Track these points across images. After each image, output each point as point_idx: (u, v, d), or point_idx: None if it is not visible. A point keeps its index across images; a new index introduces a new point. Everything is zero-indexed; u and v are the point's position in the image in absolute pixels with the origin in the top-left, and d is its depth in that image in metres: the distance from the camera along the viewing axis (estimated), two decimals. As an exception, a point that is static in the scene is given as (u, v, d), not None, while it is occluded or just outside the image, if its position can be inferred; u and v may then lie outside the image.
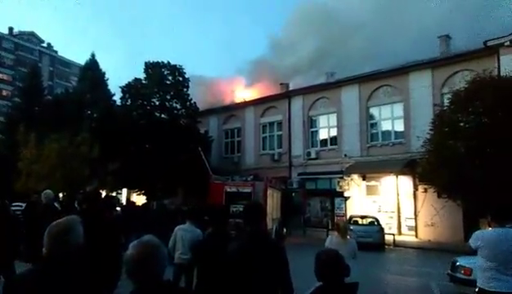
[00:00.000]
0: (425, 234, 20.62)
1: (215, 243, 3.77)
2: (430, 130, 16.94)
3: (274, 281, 3.07)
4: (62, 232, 2.13)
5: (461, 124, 15.99)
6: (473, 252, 4.85)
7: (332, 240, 5.95)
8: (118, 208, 14.48)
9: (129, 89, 29.14)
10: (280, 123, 29.05)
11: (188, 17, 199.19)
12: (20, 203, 13.84)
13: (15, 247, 6.33)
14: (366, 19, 39.84)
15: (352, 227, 17.08)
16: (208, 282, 3.71)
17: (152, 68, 29.27)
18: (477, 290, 4.54)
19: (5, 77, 63.46)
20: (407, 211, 21.65)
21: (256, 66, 44.85)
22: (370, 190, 23.30)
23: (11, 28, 67.65)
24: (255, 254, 3.04)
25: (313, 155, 26.19)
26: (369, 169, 22.61)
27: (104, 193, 23.57)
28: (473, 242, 4.65)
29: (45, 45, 72.71)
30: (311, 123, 27.38)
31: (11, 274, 6.04)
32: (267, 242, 3.32)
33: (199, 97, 32.32)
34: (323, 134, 26.93)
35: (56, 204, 8.98)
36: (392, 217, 21.98)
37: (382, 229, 18.45)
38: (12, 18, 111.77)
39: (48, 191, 7.56)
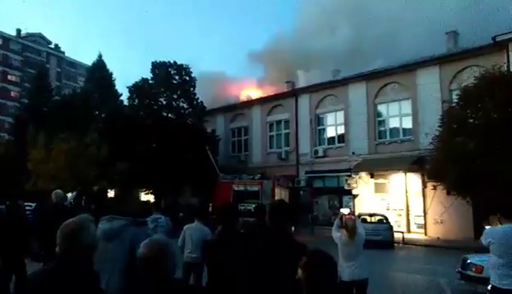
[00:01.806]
0: (434, 232, 20.49)
1: (226, 242, 3.76)
2: (439, 126, 16.81)
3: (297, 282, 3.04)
4: (75, 231, 2.14)
5: (470, 120, 15.86)
6: (484, 249, 4.81)
7: (341, 238, 5.93)
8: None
9: (136, 89, 29.31)
10: (287, 121, 29.01)
11: (196, 14, 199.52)
12: (30, 203, 13.99)
13: (24, 246, 6.39)
14: (374, 16, 39.51)
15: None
16: (219, 281, 3.70)
17: (159, 67, 29.42)
18: (489, 288, 4.50)
19: (13, 78, 64.00)
20: (416, 208, 21.52)
21: (268, 56, 44.38)
22: (379, 188, 23.19)
23: (18, 30, 68.23)
24: (280, 254, 3.01)
25: (321, 153, 26.13)
26: (377, 167, 22.51)
27: (113, 193, 23.83)
28: (484, 238, 4.62)
29: (52, 46, 73.23)
30: (318, 121, 27.31)
31: (24, 274, 6.10)
32: (293, 243, 3.26)
33: (211, 93, 32.47)
34: (330, 132, 26.85)
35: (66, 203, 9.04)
36: (400, 215, 21.89)
37: (391, 227, 18.34)
38: (20, 20, 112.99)
39: (58, 191, 7.62)
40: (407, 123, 23.03)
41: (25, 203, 10.60)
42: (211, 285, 3.86)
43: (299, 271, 2.29)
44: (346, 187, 23.62)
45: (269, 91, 34.52)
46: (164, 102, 29.07)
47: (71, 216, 2.35)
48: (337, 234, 6.03)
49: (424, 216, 21.05)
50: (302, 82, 30.84)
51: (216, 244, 3.96)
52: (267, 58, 44.80)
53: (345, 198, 24.09)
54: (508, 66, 18.14)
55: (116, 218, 3.66)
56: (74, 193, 19.07)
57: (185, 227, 6.68)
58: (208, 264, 4.00)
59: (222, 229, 3.99)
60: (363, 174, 23.06)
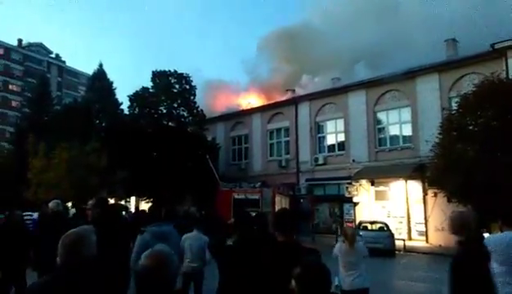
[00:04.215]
0: (436, 239, 20.40)
1: (242, 250, 3.70)
2: (439, 134, 16.83)
3: None
4: (76, 242, 2.15)
5: (470, 128, 15.89)
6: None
7: (341, 247, 5.91)
8: (124, 213, 14.53)
9: (137, 98, 29.42)
10: (287, 129, 29.06)
11: (199, 21, 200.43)
12: (30, 213, 14.00)
13: (26, 257, 6.37)
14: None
15: (361, 233, 16.97)
16: (232, 290, 3.67)
17: (159, 76, 29.56)
18: (490, 296, 4.47)
19: (14, 87, 64.21)
20: (417, 216, 21.47)
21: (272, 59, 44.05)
22: (379, 195, 23.16)
23: (19, 40, 68.58)
24: (290, 266, 2.97)
25: (321, 161, 26.13)
26: (377, 174, 22.49)
27: (112, 201, 23.79)
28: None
29: (53, 56, 73.54)
30: (318, 129, 27.36)
31: (23, 284, 6.09)
32: (304, 249, 3.21)
33: (213, 101, 32.49)
34: (330, 139, 26.88)
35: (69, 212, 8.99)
36: (401, 222, 21.83)
37: (392, 235, 18.28)
38: (21, 30, 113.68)
39: (56, 200, 7.60)
40: (407, 131, 23.08)
41: (26, 213, 10.60)
42: (222, 291, 3.83)
43: (293, 282, 2.26)
44: (347, 195, 23.59)
45: (274, 97, 34.64)
46: (165, 111, 29.18)
47: (72, 226, 2.36)
48: (335, 248, 6.02)
49: (425, 224, 21.00)
50: (308, 88, 30.77)
51: (233, 253, 3.89)
52: (272, 60, 44.56)
53: (346, 206, 23.98)
54: (507, 73, 18.22)
55: (165, 224, 4.64)
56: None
57: (184, 236, 6.67)
58: (223, 272, 3.95)
59: (238, 238, 3.94)
60: (364, 181, 23.03)
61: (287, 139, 29.04)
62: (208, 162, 24.13)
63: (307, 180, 26.66)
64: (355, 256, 5.81)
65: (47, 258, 4.17)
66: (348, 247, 5.80)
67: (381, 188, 23.03)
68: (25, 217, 9.40)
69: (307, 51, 38.98)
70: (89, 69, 60.25)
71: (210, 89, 42.45)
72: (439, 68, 22.05)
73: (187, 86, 29.75)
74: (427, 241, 20.77)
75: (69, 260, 2.13)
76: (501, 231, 4.62)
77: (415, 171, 20.46)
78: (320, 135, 27.31)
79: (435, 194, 19.40)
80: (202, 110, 30.06)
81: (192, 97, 29.82)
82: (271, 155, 29.98)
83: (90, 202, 6.56)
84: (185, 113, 29.50)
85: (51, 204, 7.03)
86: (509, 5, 25.62)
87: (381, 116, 24.46)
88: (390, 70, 23.66)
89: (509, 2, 25.75)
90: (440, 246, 19.74)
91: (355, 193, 23.20)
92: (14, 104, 62.25)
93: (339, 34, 39.10)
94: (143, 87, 29.66)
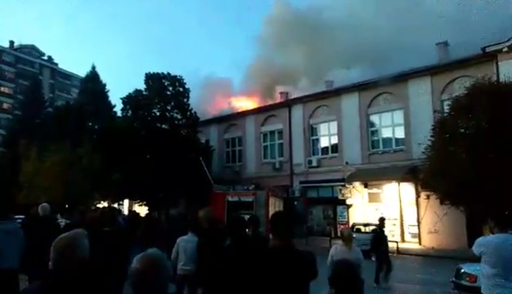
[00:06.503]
0: (429, 241, 20.52)
1: (236, 256, 3.68)
2: (431, 136, 16.94)
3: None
4: (68, 246, 2.14)
5: (462, 130, 16.00)
6: (477, 259, 4.83)
7: (337, 249, 5.93)
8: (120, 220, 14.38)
9: (130, 100, 29.30)
10: (280, 132, 29.09)
11: (193, 22, 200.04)
12: (21, 216, 13.85)
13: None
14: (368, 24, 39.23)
15: (355, 235, 16.98)
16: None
17: (152, 79, 29.45)
18: (481, 297, 4.51)
19: (6, 90, 63.69)
20: (410, 218, 21.57)
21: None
22: (373, 198, 23.24)
23: (11, 42, 68.13)
24: (288, 267, 2.95)
25: (314, 163, 26.18)
26: (370, 176, 22.58)
27: (105, 205, 23.67)
28: (476, 248, 4.63)
29: (45, 58, 73.07)
30: (311, 131, 27.42)
31: (16, 289, 6.02)
32: (299, 253, 3.18)
33: (209, 103, 32.63)
34: (324, 142, 26.95)
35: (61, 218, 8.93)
36: (395, 224, 21.90)
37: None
38: (13, 32, 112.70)
39: (45, 204, 7.53)
40: (400, 133, 23.20)
41: (18, 216, 10.47)
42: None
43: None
44: (340, 197, 23.67)
45: (271, 97, 34.63)
46: (158, 113, 29.07)
47: (63, 230, 2.34)
48: (331, 251, 6.05)
49: (418, 226, 21.10)
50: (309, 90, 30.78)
51: (225, 258, 3.86)
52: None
53: (339, 208, 24.10)
54: (497, 76, 18.39)
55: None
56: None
57: (178, 239, 6.64)
58: (216, 277, 3.91)
59: (232, 243, 3.92)
60: (357, 184, 23.10)
61: (281, 141, 29.05)
62: (201, 164, 24.09)
63: (300, 182, 26.69)
64: (351, 257, 5.83)
65: (37, 262, 4.14)
66: (345, 248, 5.83)
67: (374, 190, 23.11)
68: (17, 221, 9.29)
69: (308, 50, 38.94)
70: (82, 71, 59.89)
71: (205, 87, 42.47)
72: (431, 71, 22.21)
73: (181, 89, 29.68)
74: (420, 243, 20.87)
75: (61, 264, 2.11)
76: (492, 233, 4.66)
77: (408, 174, 20.57)
78: (313, 137, 27.37)
79: (428, 197, 19.53)
80: (195, 113, 30.01)
81: (185, 100, 29.75)
82: (264, 157, 29.98)
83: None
84: (178, 116, 29.42)
85: (39, 209, 6.99)
86: (500, 8, 25.88)
87: (374, 118, 24.57)
88: (388, 72, 23.74)
89: (502, 5, 26.01)
90: (433, 248, 19.86)
91: (348, 195, 23.28)
92: (5, 106, 61.77)
93: (339, 32, 38.86)
94: (136, 90, 29.55)
